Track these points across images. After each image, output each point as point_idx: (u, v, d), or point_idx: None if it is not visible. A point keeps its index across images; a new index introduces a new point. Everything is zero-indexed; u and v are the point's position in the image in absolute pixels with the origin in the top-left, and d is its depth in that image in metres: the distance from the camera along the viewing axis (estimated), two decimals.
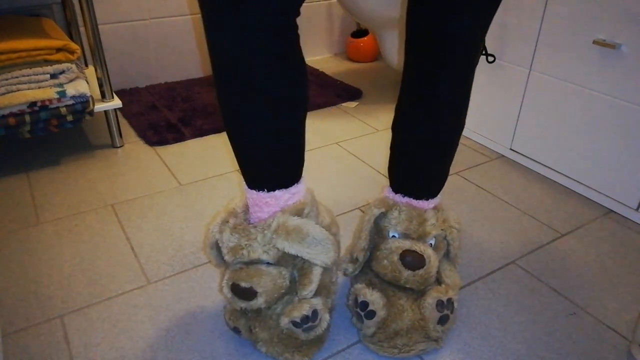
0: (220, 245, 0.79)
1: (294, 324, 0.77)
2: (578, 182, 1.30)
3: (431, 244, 0.87)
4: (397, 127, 0.89)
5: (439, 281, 0.89)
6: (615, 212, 1.24)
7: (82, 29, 1.63)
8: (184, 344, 0.85)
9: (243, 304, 0.78)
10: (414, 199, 0.88)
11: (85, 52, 1.69)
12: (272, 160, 0.76)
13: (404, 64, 0.84)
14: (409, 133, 0.86)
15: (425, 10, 0.76)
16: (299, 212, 0.78)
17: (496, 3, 0.76)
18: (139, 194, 1.26)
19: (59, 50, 1.26)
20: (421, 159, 0.87)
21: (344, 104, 1.83)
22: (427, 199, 0.88)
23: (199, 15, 1.92)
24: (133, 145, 1.50)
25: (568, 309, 0.95)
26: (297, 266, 0.81)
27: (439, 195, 0.91)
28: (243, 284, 0.76)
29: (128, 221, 1.16)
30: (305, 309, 0.77)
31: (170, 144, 1.51)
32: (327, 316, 0.80)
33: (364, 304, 0.82)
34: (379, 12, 1.61)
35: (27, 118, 1.23)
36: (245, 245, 0.76)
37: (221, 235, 0.78)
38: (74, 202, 1.22)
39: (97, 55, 1.35)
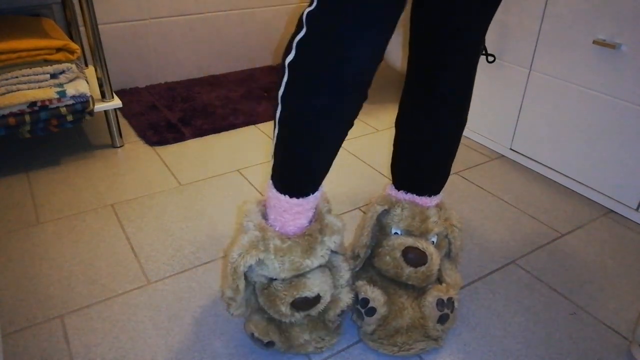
0: (254, 273, 0.77)
1: (341, 313, 0.81)
2: (578, 182, 1.30)
3: (433, 241, 0.87)
4: (401, 125, 0.89)
5: (439, 280, 0.89)
6: (615, 212, 1.24)
7: (82, 29, 1.63)
8: (184, 344, 0.85)
9: (303, 316, 0.79)
10: (416, 195, 0.88)
11: (85, 52, 1.69)
12: (322, 168, 0.77)
13: (407, 64, 0.84)
14: (412, 131, 0.87)
15: (426, 12, 0.77)
16: (330, 210, 0.82)
17: (495, 4, 0.76)
18: (139, 194, 1.26)
19: (59, 50, 1.26)
20: (422, 159, 0.87)
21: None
22: (429, 196, 0.88)
23: (199, 15, 1.92)
24: (133, 145, 1.50)
25: (568, 309, 0.95)
26: (329, 264, 0.82)
27: (441, 193, 0.91)
28: (309, 295, 0.75)
29: (128, 221, 1.16)
30: (349, 298, 0.82)
31: (170, 143, 1.51)
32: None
33: (365, 301, 0.82)
34: None
35: (27, 118, 1.23)
36: (306, 253, 0.75)
37: (262, 262, 0.75)
38: (74, 202, 1.22)
39: (97, 55, 1.35)
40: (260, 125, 1.64)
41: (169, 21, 1.87)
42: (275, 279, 0.77)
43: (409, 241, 0.84)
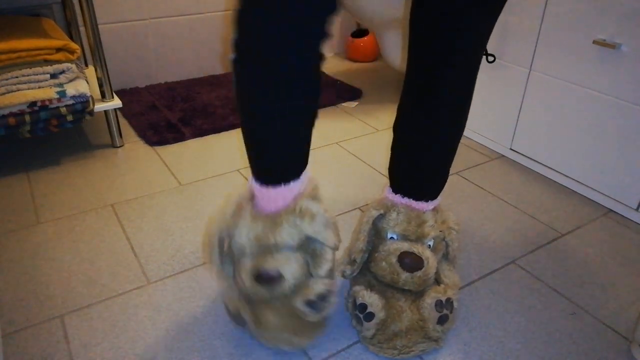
0: (231, 237, 0.78)
1: (309, 303, 0.77)
2: (578, 182, 1.30)
3: (429, 245, 0.86)
4: (399, 128, 0.89)
5: (437, 281, 0.89)
6: (615, 212, 1.24)
7: (82, 29, 1.63)
8: (184, 344, 0.85)
9: (266, 292, 0.77)
10: (413, 200, 0.88)
11: (85, 52, 1.69)
12: (289, 154, 0.77)
13: (406, 64, 0.84)
14: (410, 134, 0.86)
15: (426, 12, 0.76)
16: (315, 196, 0.79)
17: (499, 7, 0.75)
18: (139, 194, 1.26)
19: (59, 50, 1.26)
20: (421, 160, 0.87)
21: (344, 104, 1.83)
22: (426, 201, 0.88)
23: (199, 15, 1.92)
24: (133, 145, 1.50)
25: (568, 309, 0.95)
26: (309, 250, 0.80)
27: (438, 197, 0.90)
28: (272, 271, 0.75)
29: (128, 221, 1.16)
30: (321, 288, 0.77)
31: (170, 143, 1.51)
32: (335, 298, 0.80)
33: (363, 306, 0.82)
34: (380, 12, 1.60)
35: (27, 118, 1.23)
36: (271, 230, 0.75)
37: (237, 226, 0.77)
38: (74, 202, 1.22)
39: (97, 55, 1.35)
40: None
41: (169, 21, 1.87)
42: (246, 252, 0.77)
43: (405, 246, 0.84)
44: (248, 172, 1.37)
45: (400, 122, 0.88)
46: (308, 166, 0.81)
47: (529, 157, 1.41)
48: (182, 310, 0.92)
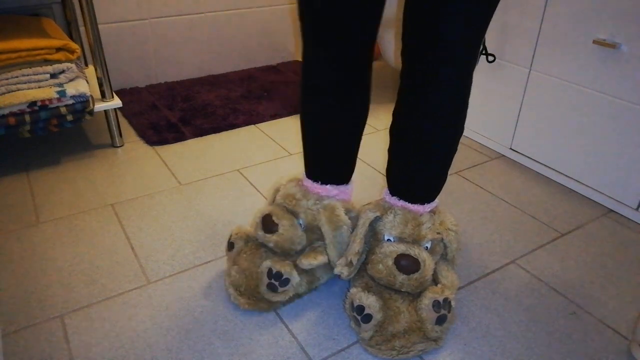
0: (279, 189, 0.96)
1: (269, 272, 0.87)
2: (578, 182, 1.30)
3: (427, 247, 0.86)
4: (394, 131, 0.89)
5: (435, 282, 0.89)
6: (615, 212, 1.24)
7: (82, 29, 1.63)
8: (184, 344, 0.85)
9: (261, 233, 0.91)
10: (409, 202, 0.88)
11: (85, 52, 1.69)
12: (330, 159, 0.94)
13: (401, 68, 0.84)
14: (406, 137, 0.86)
15: (418, 13, 0.75)
16: (346, 208, 0.91)
17: (490, 7, 0.74)
18: (139, 193, 1.26)
19: (59, 49, 1.26)
20: (417, 163, 0.87)
21: None
22: (422, 203, 0.88)
23: (199, 15, 1.92)
24: (133, 145, 1.50)
25: (568, 309, 0.95)
26: (312, 244, 0.90)
27: (436, 200, 0.90)
28: (274, 218, 0.90)
29: (128, 221, 1.16)
30: (285, 267, 0.88)
31: (170, 143, 1.51)
32: (292, 293, 0.90)
33: (360, 308, 0.82)
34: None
35: (27, 117, 1.23)
36: (297, 199, 0.92)
37: (286, 184, 0.96)
38: (74, 202, 1.22)
39: (97, 55, 1.35)
40: (260, 125, 1.64)
41: (169, 21, 1.87)
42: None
43: (401, 248, 0.84)
44: (248, 172, 1.37)
45: (395, 125, 0.88)
46: (352, 183, 0.99)
47: (529, 157, 1.41)
48: (182, 310, 0.92)
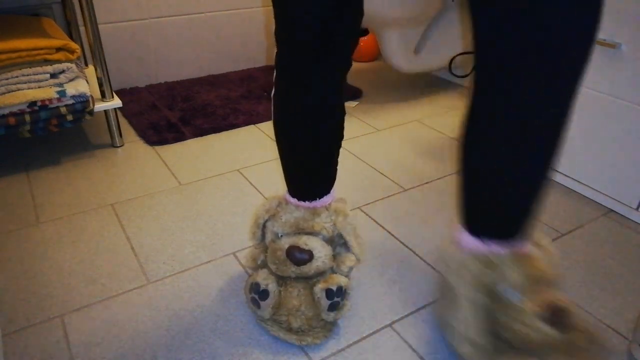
0: (273, 222, 0.88)
1: (328, 292, 0.83)
2: (578, 181, 1.30)
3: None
4: (467, 146, 0.71)
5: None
6: (615, 212, 1.24)
7: (82, 29, 1.63)
8: (184, 344, 0.85)
9: (294, 268, 0.83)
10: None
11: (85, 52, 1.69)
12: (323, 175, 0.90)
13: (474, 64, 0.66)
14: (484, 156, 0.69)
15: (503, 12, 0.57)
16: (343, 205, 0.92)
17: None
18: (139, 193, 1.26)
19: (58, 49, 1.26)
20: (502, 196, 0.70)
21: None
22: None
23: (199, 15, 1.92)
24: (133, 145, 1.50)
25: None
26: (337, 249, 0.90)
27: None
28: (303, 246, 0.82)
29: (128, 221, 1.16)
30: (343, 280, 0.85)
31: (170, 143, 1.51)
32: (349, 302, 0.88)
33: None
34: (381, 12, 1.60)
35: (27, 117, 1.23)
36: (311, 218, 0.86)
37: (280, 211, 0.88)
38: (74, 202, 1.22)
39: (97, 54, 1.35)
40: (260, 125, 1.64)
41: (169, 21, 1.87)
42: (282, 235, 0.87)
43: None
44: (248, 172, 1.37)
45: (469, 138, 0.70)
46: (333, 190, 0.94)
47: None
48: (182, 310, 0.92)
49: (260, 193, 1.28)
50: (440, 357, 0.84)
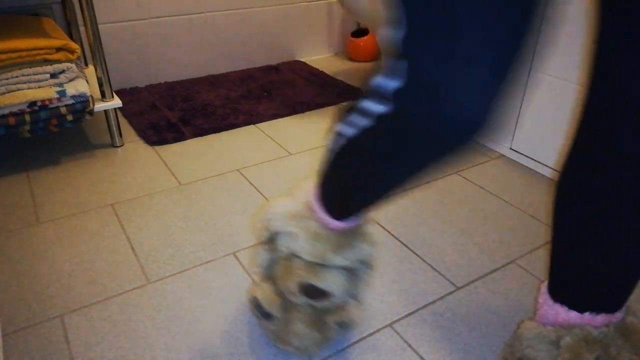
0: (289, 239, 0.76)
1: (341, 323, 0.80)
2: None
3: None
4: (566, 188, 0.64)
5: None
6: None
7: (82, 29, 1.63)
8: (184, 344, 0.85)
9: (309, 304, 0.78)
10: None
11: (85, 52, 1.69)
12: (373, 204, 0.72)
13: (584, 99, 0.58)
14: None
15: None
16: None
17: None
18: (139, 193, 1.26)
19: (58, 49, 1.26)
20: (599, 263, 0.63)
21: (344, 104, 1.83)
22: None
23: (199, 15, 1.92)
24: (133, 145, 1.50)
25: None
26: (354, 271, 0.80)
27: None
28: (320, 286, 0.75)
29: (128, 221, 1.16)
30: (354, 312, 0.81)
31: (170, 143, 1.51)
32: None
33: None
34: (381, 11, 1.60)
35: (27, 117, 1.23)
36: (335, 249, 0.74)
37: (296, 229, 0.75)
38: (74, 202, 1.22)
39: (97, 54, 1.35)
40: (260, 125, 1.64)
41: (169, 21, 1.87)
42: (298, 257, 0.76)
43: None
44: (248, 172, 1.37)
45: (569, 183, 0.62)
46: None
47: (529, 157, 1.41)
48: (182, 310, 0.92)
49: (260, 193, 1.28)
50: (440, 357, 0.84)
